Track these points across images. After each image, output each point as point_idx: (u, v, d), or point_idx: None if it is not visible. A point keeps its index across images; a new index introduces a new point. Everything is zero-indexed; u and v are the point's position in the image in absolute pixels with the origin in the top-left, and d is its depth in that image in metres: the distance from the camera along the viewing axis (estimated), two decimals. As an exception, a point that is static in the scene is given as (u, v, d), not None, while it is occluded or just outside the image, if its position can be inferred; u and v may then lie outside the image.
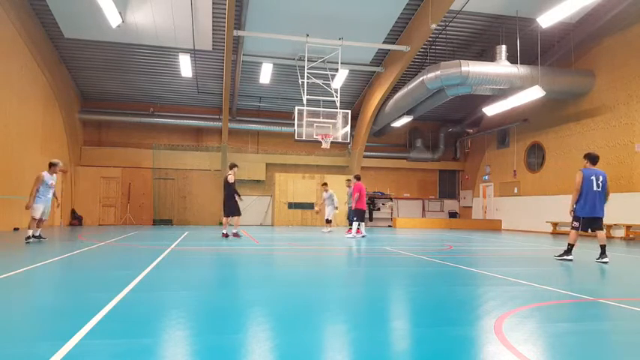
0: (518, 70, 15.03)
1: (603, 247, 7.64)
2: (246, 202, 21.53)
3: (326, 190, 15.81)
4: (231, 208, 11.51)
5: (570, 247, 7.83)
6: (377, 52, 17.44)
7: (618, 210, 14.34)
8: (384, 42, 16.32)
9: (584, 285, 5.64)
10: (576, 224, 7.72)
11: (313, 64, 15.02)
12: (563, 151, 17.47)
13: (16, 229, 13.80)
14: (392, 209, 23.31)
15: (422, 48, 16.23)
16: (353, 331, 3.21)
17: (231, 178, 11.52)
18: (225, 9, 13.41)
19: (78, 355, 2.51)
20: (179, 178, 20.76)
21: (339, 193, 16.98)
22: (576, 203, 7.72)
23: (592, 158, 7.83)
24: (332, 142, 14.10)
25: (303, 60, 14.68)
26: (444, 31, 15.78)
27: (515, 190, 20.33)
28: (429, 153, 23.40)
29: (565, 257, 7.85)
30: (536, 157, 19.21)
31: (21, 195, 14.63)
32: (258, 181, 21.69)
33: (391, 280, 5.83)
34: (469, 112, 22.08)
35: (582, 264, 7.64)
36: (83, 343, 2.70)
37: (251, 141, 22.06)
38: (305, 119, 13.50)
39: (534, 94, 14.62)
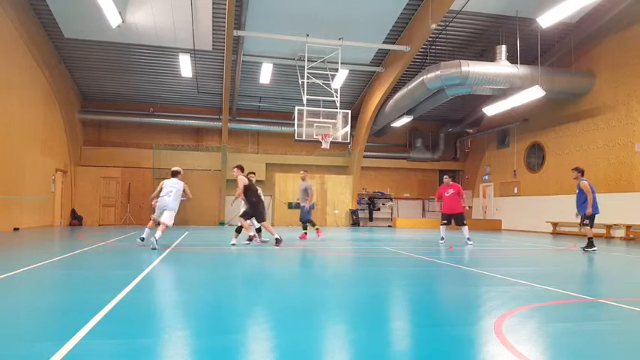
0: (518, 70, 15.02)
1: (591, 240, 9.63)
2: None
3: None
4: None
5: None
6: (377, 52, 17.43)
7: (618, 210, 14.35)
8: (384, 42, 16.31)
9: (584, 285, 5.64)
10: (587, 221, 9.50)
11: (313, 64, 15.01)
12: (563, 151, 17.45)
13: (16, 229, 13.80)
14: (392, 209, 23.29)
15: (422, 48, 16.22)
16: (353, 331, 3.21)
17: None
18: (225, 9, 13.41)
19: (78, 355, 2.51)
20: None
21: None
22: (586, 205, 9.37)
23: (583, 171, 9.71)
24: (332, 142, 14.09)
25: (303, 60, 14.67)
26: (444, 31, 15.78)
27: (515, 190, 20.32)
28: (429, 153, 23.39)
29: None
30: (536, 157, 19.20)
31: (21, 195, 14.66)
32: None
33: (391, 280, 5.83)
34: (469, 112, 22.07)
35: (582, 264, 7.64)
36: (83, 343, 2.70)
37: (251, 141, 22.05)
38: (305, 119, 13.49)
39: (534, 94, 14.62)
